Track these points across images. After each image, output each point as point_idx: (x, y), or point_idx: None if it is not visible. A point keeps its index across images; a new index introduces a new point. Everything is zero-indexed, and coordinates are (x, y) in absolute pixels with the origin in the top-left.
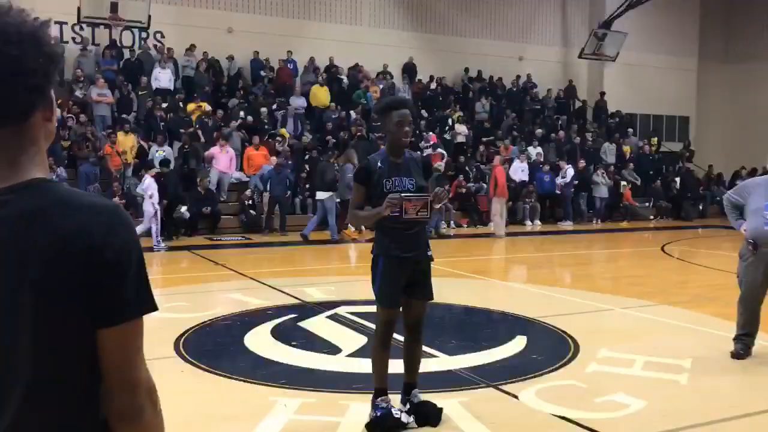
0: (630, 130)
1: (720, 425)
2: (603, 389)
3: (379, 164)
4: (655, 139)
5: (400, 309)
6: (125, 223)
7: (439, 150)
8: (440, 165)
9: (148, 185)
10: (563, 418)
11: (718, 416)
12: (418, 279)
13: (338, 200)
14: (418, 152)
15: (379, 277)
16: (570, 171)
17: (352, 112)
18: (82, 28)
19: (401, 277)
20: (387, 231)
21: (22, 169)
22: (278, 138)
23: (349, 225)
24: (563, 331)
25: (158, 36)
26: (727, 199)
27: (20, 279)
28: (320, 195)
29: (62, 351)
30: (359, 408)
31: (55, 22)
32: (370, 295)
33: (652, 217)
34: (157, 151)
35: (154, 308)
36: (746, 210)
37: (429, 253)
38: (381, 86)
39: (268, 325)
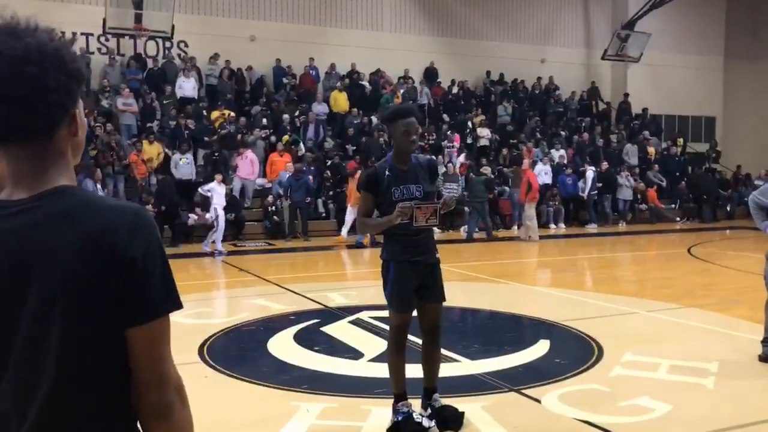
0: (646, 132)
1: (747, 429)
2: (627, 393)
3: (386, 172)
4: (681, 139)
5: (413, 313)
6: (149, 223)
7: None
8: (488, 169)
9: (212, 189)
10: (586, 422)
11: (746, 421)
12: (429, 282)
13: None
14: (424, 155)
15: (391, 282)
16: (589, 173)
17: (374, 118)
18: (107, 39)
19: (412, 281)
20: (396, 237)
21: (49, 179)
22: (291, 145)
23: (342, 233)
24: (587, 335)
25: (182, 45)
26: (753, 200)
27: (49, 279)
28: (445, 197)
29: (88, 349)
30: (381, 413)
31: (81, 34)
32: None
33: (677, 218)
34: (180, 158)
35: (180, 306)
36: None
37: (437, 256)
38: (402, 91)
39: (291, 330)
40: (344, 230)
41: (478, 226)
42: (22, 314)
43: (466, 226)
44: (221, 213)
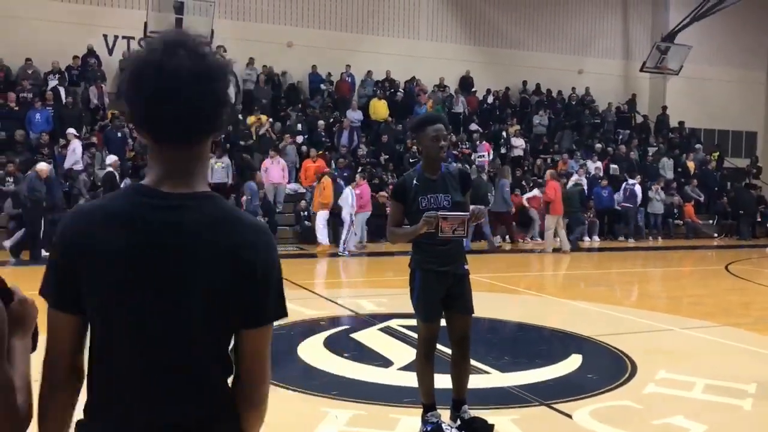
0: (698, 146)
1: None
2: (661, 412)
3: (414, 182)
4: (716, 154)
5: (441, 323)
6: (275, 244)
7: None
8: (582, 180)
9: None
10: None
11: None
12: (456, 292)
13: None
14: (455, 164)
15: (417, 292)
16: (637, 188)
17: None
18: None
19: (439, 291)
20: (423, 246)
21: (195, 180)
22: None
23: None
24: (620, 351)
25: (221, 50)
26: None
27: (200, 273)
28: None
29: (212, 342)
30: (410, 422)
31: (123, 37)
32: None
33: (715, 234)
34: (215, 163)
35: (286, 314)
36: None
37: (465, 267)
38: (432, 101)
39: (321, 336)
40: (322, 236)
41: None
42: (166, 299)
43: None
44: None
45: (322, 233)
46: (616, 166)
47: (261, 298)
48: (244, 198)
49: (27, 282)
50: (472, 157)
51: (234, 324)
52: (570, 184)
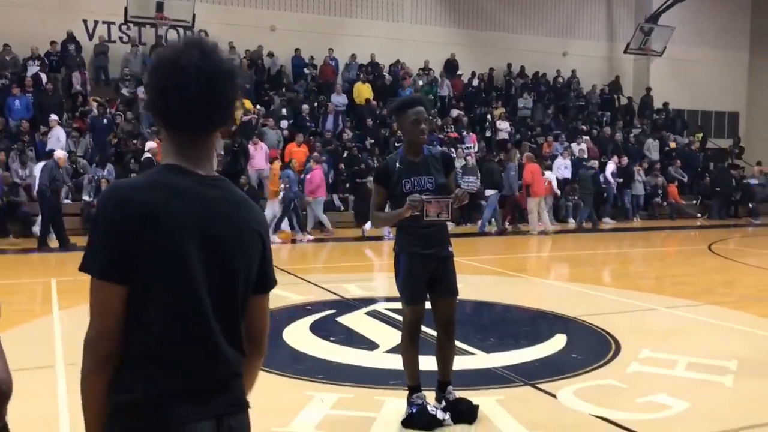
0: (674, 137)
1: (766, 430)
2: (644, 390)
3: (397, 165)
4: (700, 135)
5: (426, 305)
6: None
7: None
8: (596, 163)
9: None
10: (602, 418)
11: (765, 420)
12: (441, 275)
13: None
14: (438, 147)
15: (402, 275)
16: (610, 166)
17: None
18: (129, 28)
19: (424, 274)
20: (407, 229)
21: (211, 164)
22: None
23: (281, 227)
24: (604, 331)
25: (203, 35)
26: None
27: (245, 246)
28: (488, 192)
29: (244, 307)
30: (396, 404)
31: (103, 22)
32: None
33: (698, 215)
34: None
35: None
36: None
37: (450, 249)
38: (422, 82)
39: (307, 321)
40: (283, 224)
41: (586, 216)
42: (227, 266)
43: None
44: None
45: (275, 222)
46: (596, 163)
47: (270, 269)
48: (282, 185)
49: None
50: (460, 148)
51: (251, 291)
52: (556, 167)
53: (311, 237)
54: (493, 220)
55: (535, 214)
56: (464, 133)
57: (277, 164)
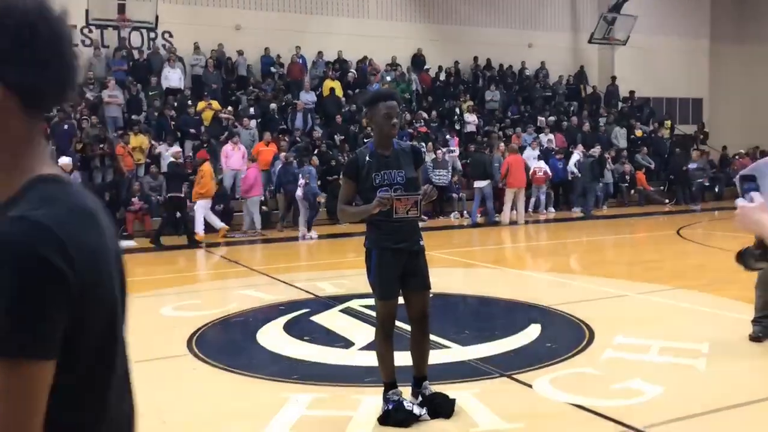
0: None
1: (739, 410)
2: (619, 376)
3: (367, 158)
4: (669, 122)
5: (399, 300)
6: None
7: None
8: (597, 150)
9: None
10: (578, 406)
11: (738, 401)
12: (413, 269)
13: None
14: (407, 141)
15: (374, 270)
16: (575, 156)
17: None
18: (91, 31)
19: (395, 269)
20: (377, 224)
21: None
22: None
23: (196, 230)
24: (578, 319)
25: (167, 36)
26: (738, 178)
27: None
28: (478, 183)
29: None
30: (372, 402)
31: None
32: None
33: (666, 201)
34: (167, 150)
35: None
36: (762, 191)
37: (421, 243)
38: (390, 78)
39: (281, 321)
40: (199, 227)
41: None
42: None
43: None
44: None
45: (199, 223)
46: (598, 148)
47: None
48: (302, 181)
49: (200, 262)
50: (441, 152)
51: None
52: (525, 158)
53: (315, 235)
54: (480, 210)
55: (509, 205)
56: (447, 138)
57: (208, 165)
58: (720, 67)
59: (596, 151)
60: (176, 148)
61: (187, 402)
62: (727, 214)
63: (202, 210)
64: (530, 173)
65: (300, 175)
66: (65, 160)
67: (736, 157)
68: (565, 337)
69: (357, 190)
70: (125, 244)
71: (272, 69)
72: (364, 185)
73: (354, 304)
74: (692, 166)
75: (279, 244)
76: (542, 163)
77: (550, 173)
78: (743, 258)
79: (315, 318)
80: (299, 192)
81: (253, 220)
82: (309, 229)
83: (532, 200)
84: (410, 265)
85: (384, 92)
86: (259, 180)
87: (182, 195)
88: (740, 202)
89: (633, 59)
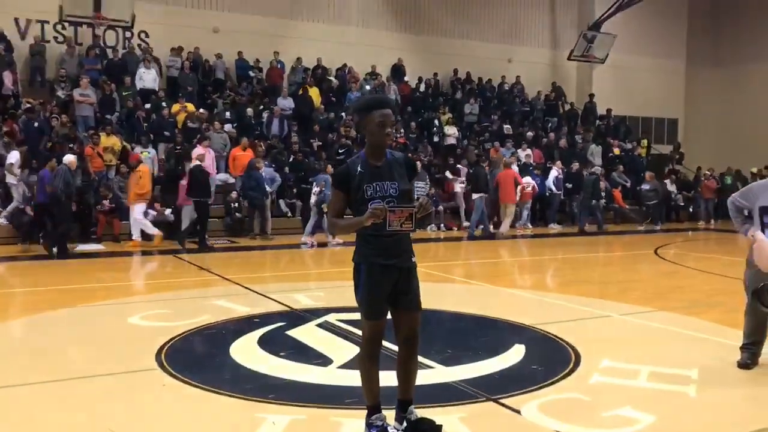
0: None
1: None
2: (609, 403)
3: (359, 169)
4: (645, 141)
5: (387, 319)
6: None
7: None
8: (598, 169)
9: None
10: None
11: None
12: (404, 288)
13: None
14: (399, 152)
15: (362, 288)
16: (553, 173)
17: (343, 114)
18: (64, 27)
19: (385, 287)
20: (368, 238)
21: None
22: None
23: (132, 235)
24: (562, 339)
25: (143, 35)
26: (732, 203)
27: None
28: (475, 196)
29: None
30: (353, 425)
31: (37, 21)
32: None
33: (641, 220)
34: (141, 152)
35: None
36: (754, 214)
37: (413, 260)
38: (369, 87)
39: (255, 335)
40: (136, 232)
41: (586, 221)
42: None
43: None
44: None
45: (136, 228)
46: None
47: None
48: (316, 189)
49: (61, 276)
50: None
51: None
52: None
53: (340, 240)
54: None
55: (508, 219)
56: (459, 166)
57: (145, 166)
58: (696, 88)
59: (597, 169)
60: (199, 150)
61: (156, 421)
62: (702, 234)
63: (138, 213)
64: (518, 188)
65: (315, 183)
66: (70, 158)
67: (702, 178)
68: (551, 359)
69: (348, 202)
70: (93, 247)
71: (251, 73)
72: (355, 197)
73: (331, 318)
74: (645, 187)
75: (251, 252)
76: (530, 179)
77: (537, 189)
78: (762, 294)
79: (291, 332)
80: (313, 199)
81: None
82: (312, 236)
83: (523, 213)
84: (402, 282)
85: (378, 99)
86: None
87: (206, 200)
88: (760, 235)
89: (611, 77)
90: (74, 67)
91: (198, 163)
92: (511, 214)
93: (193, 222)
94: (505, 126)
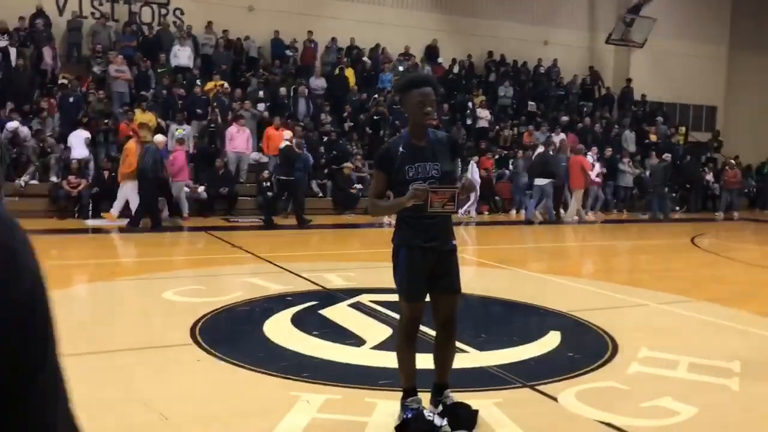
0: (659, 118)
1: None
2: (648, 393)
3: (400, 149)
4: (683, 128)
5: (426, 302)
6: None
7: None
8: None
9: None
10: (609, 424)
11: None
12: (443, 270)
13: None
14: (442, 131)
15: (401, 269)
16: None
17: (375, 96)
18: (101, 3)
19: (424, 269)
20: (408, 220)
21: None
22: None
23: (111, 210)
24: (599, 327)
25: (178, 13)
26: None
27: None
28: (539, 181)
29: None
30: (387, 407)
31: None
32: (393, 284)
33: (677, 207)
34: (176, 129)
35: None
36: None
37: (453, 243)
38: (402, 68)
39: (288, 313)
40: (114, 208)
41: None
42: None
43: None
44: None
45: (118, 204)
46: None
47: None
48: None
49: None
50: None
51: None
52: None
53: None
54: (537, 209)
55: (574, 204)
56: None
57: (132, 143)
58: (737, 74)
59: (668, 156)
60: (289, 133)
61: (191, 396)
62: (739, 224)
63: (129, 191)
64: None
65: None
66: (160, 138)
67: (726, 167)
68: (588, 347)
69: (390, 183)
70: (104, 223)
71: (288, 52)
72: (396, 178)
73: (363, 298)
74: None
75: (283, 231)
76: (598, 166)
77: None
78: None
79: (323, 312)
80: None
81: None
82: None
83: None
84: (441, 265)
85: (418, 78)
86: (186, 163)
87: (293, 178)
88: None
89: (649, 62)
90: (106, 41)
91: (287, 143)
92: (579, 200)
93: (142, 203)
94: (530, 103)
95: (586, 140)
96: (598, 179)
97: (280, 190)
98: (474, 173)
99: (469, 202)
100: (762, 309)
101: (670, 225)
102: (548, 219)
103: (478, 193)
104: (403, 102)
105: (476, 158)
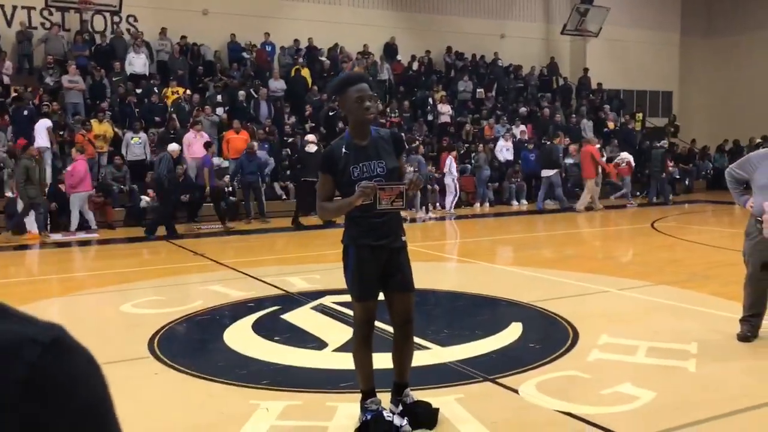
0: (606, 106)
1: (739, 416)
2: (608, 380)
3: (343, 150)
4: (640, 114)
5: (378, 301)
6: None
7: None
8: (665, 143)
9: None
10: (569, 414)
11: (736, 407)
12: (393, 268)
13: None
14: (386, 129)
15: (351, 269)
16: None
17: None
18: (51, 13)
19: (375, 267)
20: (356, 219)
21: None
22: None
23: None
24: (560, 316)
25: (131, 20)
26: (730, 174)
27: None
28: (546, 173)
29: None
30: (348, 410)
31: (23, 7)
32: None
33: (637, 193)
34: (132, 138)
35: None
36: (752, 185)
37: (403, 239)
38: (357, 68)
39: (249, 319)
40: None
41: (655, 194)
42: None
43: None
44: None
45: (76, 216)
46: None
47: None
48: (411, 169)
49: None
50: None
51: None
52: (498, 149)
53: (432, 214)
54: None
55: (586, 194)
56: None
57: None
58: (690, 60)
59: (665, 143)
60: (312, 135)
61: (148, 410)
62: (699, 207)
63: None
64: (612, 164)
65: (408, 163)
66: (173, 147)
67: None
68: (549, 336)
69: (336, 185)
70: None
71: (244, 55)
72: (342, 179)
73: (327, 300)
74: (569, 161)
75: (246, 236)
76: (626, 154)
77: (633, 164)
78: None
79: (286, 316)
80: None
81: (83, 219)
82: (427, 211)
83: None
84: (391, 263)
85: (352, 76)
86: (87, 174)
87: (315, 179)
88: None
89: (605, 51)
90: (59, 48)
91: (314, 147)
92: (591, 190)
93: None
94: (477, 90)
95: (547, 130)
96: (624, 167)
97: (305, 191)
98: (452, 169)
99: (450, 198)
100: (717, 289)
101: (635, 210)
102: (562, 207)
103: (458, 189)
104: (342, 102)
105: (454, 153)
